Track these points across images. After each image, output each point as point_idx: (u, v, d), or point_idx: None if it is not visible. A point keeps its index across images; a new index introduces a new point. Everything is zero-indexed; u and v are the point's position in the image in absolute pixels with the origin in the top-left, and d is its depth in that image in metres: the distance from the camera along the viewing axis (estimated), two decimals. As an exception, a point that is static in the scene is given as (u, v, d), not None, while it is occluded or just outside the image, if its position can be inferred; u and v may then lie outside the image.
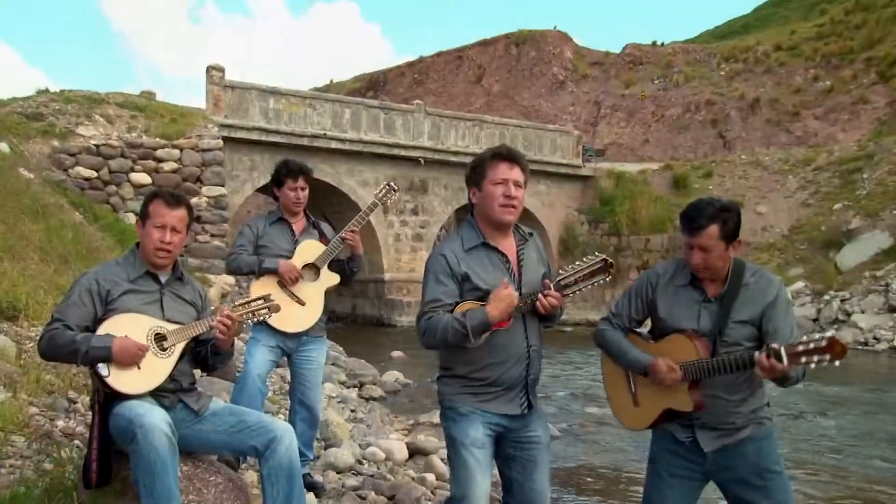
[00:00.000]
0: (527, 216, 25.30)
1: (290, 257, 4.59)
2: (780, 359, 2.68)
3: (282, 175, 4.69)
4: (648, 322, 3.25)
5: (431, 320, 2.97)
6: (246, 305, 3.31)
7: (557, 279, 2.96)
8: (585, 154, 30.33)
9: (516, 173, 3.05)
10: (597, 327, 3.33)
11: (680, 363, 2.92)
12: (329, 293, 4.70)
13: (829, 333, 2.67)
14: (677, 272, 3.10)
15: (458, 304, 3.00)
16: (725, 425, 2.97)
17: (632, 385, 3.16)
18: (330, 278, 4.67)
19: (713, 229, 2.87)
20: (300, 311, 4.57)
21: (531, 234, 3.25)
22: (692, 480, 3.05)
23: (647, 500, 3.16)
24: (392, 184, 4.90)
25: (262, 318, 3.37)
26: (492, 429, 3.06)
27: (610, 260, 2.94)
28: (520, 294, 2.96)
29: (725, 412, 2.95)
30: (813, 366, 2.68)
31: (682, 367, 2.91)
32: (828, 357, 2.64)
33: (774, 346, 2.72)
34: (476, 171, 3.11)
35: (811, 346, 2.65)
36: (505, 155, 3.08)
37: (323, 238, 4.75)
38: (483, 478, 3.00)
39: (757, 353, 2.74)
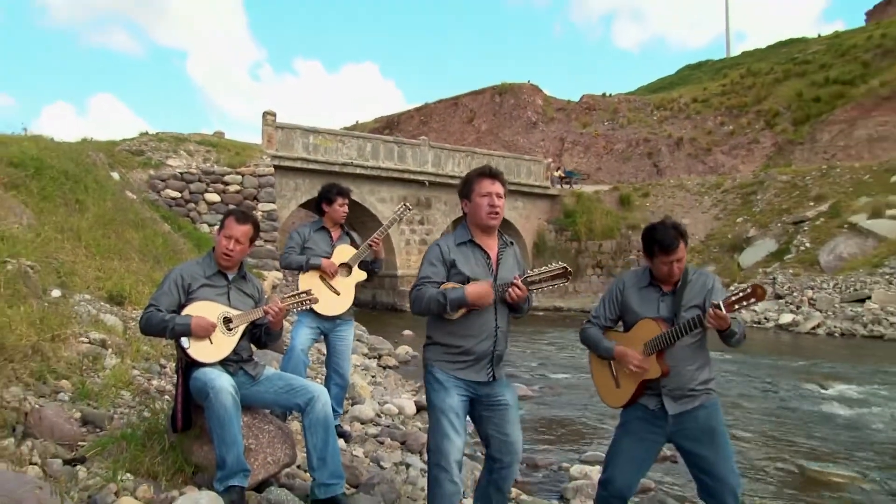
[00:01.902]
0: (508, 225, 25.32)
1: (329, 257, 4.57)
2: (721, 309, 2.67)
3: (333, 195, 4.67)
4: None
5: (420, 291, 2.92)
6: (292, 298, 3.29)
7: (525, 276, 2.89)
8: (574, 178, 30.60)
9: (497, 187, 2.99)
10: (581, 327, 3.20)
11: (647, 341, 2.89)
12: (357, 286, 4.68)
13: (751, 283, 2.71)
14: (638, 278, 3.06)
15: (443, 283, 2.94)
16: (686, 392, 2.92)
17: (613, 371, 3.06)
18: (359, 275, 4.66)
19: (682, 245, 2.88)
20: (336, 299, 4.57)
21: (512, 243, 3.16)
22: (654, 442, 2.98)
23: (614, 453, 3.04)
24: (407, 203, 4.89)
25: (304, 308, 3.33)
26: (465, 394, 2.97)
27: (569, 268, 2.85)
28: (495, 282, 2.93)
29: (686, 380, 2.91)
30: (744, 311, 2.66)
31: (650, 342, 2.88)
32: (753, 300, 2.64)
33: (715, 301, 2.71)
34: (466, 186, 3.04)
35: (740, 294, 2.65)
36: (488, 173, 3.02)
37: (353, 243, 4.72)
38: (456, 435, 2.91)
39: (709, 312, 2.71)
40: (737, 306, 2.66)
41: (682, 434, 2.94)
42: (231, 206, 13.23)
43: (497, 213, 2.99)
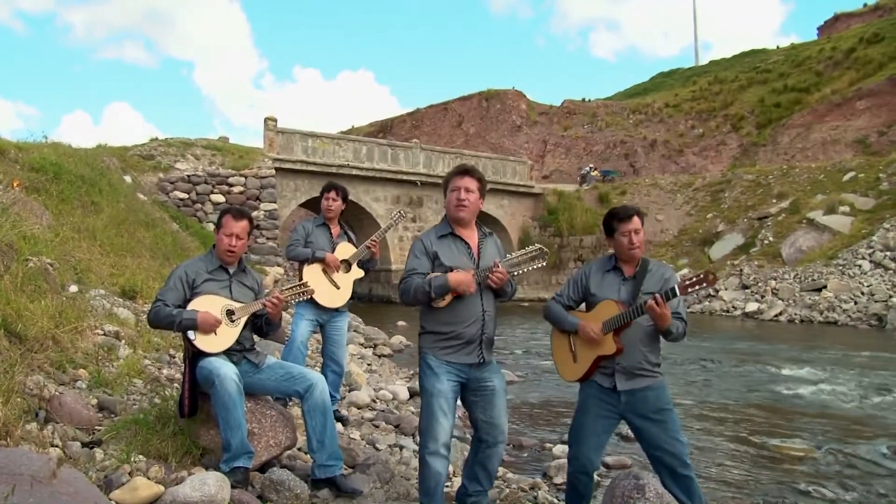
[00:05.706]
0: (494, 222, 25.30)
1: (332, 252, 4.55)
2: (675, 293, 2.74)
3: (322, 190, 4.69)
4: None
5: (407, 283, 2.92)
6: (290, 290, 3.28)
7: (504, 260, 2.92)
8: (610, 177, 30.87)
9: (466, 181, 2.96)
10: (545, 304, 3.20)
11: (607, 319, 2.92)
12: (355, 282, 4.68)
13: (702, 271, 2.79)
14: (603, 263, 3.10)
15: (428, 273, 2.93)
16: (636, 370, 2.95)
17: (572, 346, 3.07)
18: (357, 272, 4.64)
19: (637, 218, 2.98)
20: (336, 292, 4.55)
21: (490, 234, 3.15)
22: (609, 419, 3.02)
23: (575, 432, 3.08)
24: (402, 210, 4.90)
25: (300, 299, 3.30)
26: (455, 380, 2.96)
27: (545, 249, 2.88)
28: (477, 269, 2.93)
29: (637, 359, 2.94)
30: (695, 295, 2.74)
31: (609, 321, 2.90)
32: (704, 284, 2.73)
33: (671, 286, 2.77)
34: (444, 184, 3.06)
35: (693, 279, 2.75)
36: (459, 170, 3.01)
37: (351, 241, 4.68)
38: (445, 418, 2.90)
39: (649, 300, 2.77)
40: (689, 290, 2.76)
41: (634, 413, 2.99)
42: (230, 206, 13.21)
43: (464, 206, 2.95)
